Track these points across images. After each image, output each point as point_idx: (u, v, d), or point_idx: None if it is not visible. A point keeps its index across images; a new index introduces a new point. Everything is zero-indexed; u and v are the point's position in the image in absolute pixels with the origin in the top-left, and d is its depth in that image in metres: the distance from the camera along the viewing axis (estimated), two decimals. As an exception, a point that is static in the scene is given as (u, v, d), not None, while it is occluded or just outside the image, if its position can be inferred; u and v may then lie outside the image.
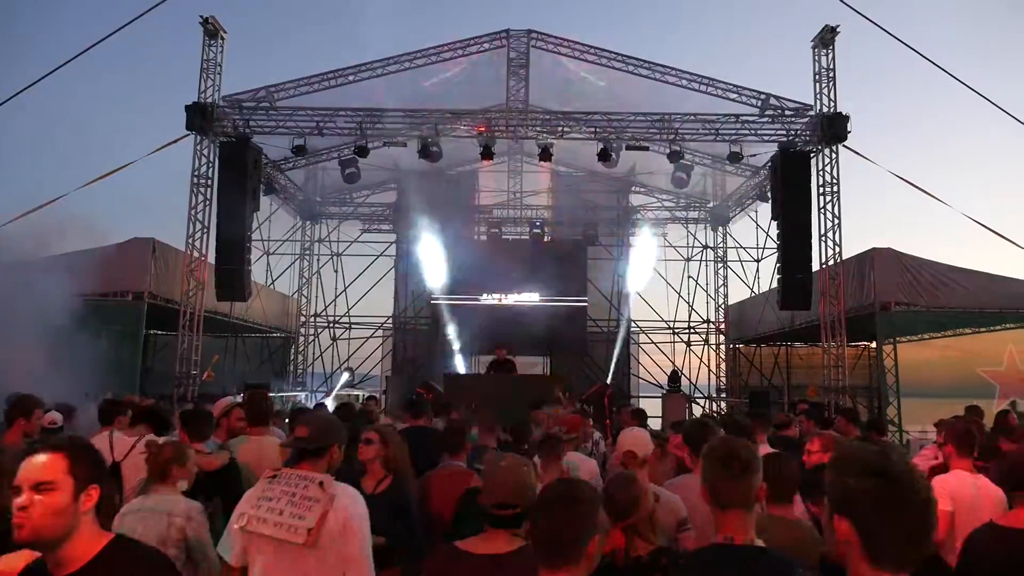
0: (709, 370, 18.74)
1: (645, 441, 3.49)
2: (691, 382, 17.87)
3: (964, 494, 3.25)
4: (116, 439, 3.94)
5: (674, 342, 18.51)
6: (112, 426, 4.27)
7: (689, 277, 18.58)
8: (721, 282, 18.78)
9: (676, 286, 18.32)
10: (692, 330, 18.66)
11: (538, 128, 12.78)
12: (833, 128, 11.77)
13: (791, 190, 11.83)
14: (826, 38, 11.88)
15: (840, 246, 12.05)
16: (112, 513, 1.91)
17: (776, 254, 12.49)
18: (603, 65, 13.15)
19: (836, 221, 12.08)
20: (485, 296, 16.36)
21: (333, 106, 12.30)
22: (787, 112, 12.40)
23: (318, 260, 18.74)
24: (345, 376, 16.52)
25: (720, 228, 18.68)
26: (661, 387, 16.58)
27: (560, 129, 12.65)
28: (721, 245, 18.75)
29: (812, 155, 12.12)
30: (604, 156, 12.42)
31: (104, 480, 1.81)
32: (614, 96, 13.05)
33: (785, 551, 1.94)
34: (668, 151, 12.80)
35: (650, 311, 18.29)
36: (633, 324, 18.11)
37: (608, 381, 14.81)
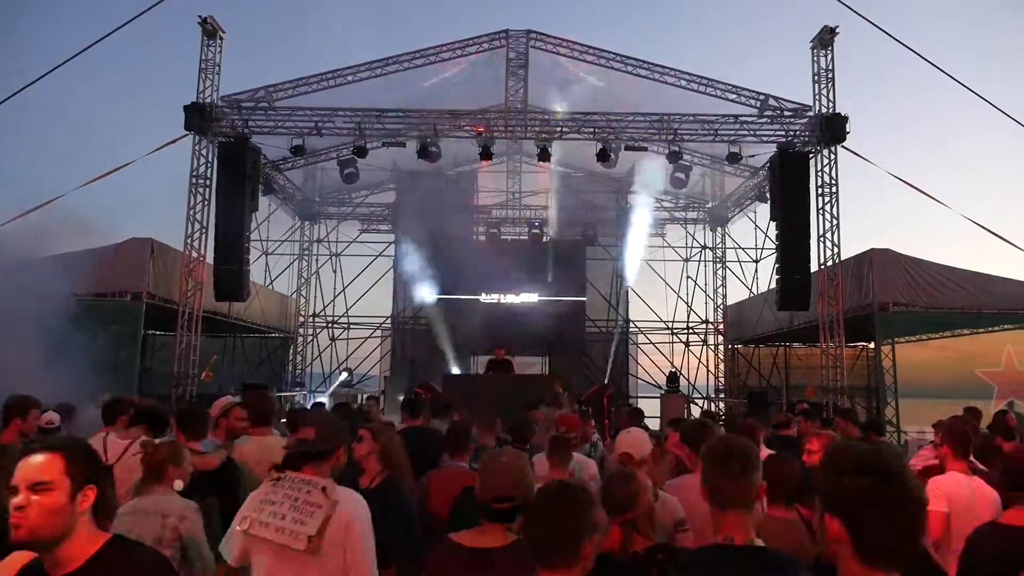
0: (708, 370, 18.77)
1: (642, 442, 3.49)
2: (690, 382, 17.90)
3: (960, 495, 3.25)
4: (110, 441, 3.89)
5: (673, 342, 18.54)
6: (114, 426, 4.26)
7: (688, 277, 18.64)
8: (720, 282, 18.81)
9: (675, 286, 18.37)
10: (691, 330, 18.68)
11: (537, 128, 12.79)
12: (832, 129, 11.79)
13: (790, 191, 11.84)
14: (825, 39, 11.89)
15: (839, 247, 12.08)
16: (111, 513, 1.91)
17: (775, 254, 12.50)
18: (602, 65, 13.17)
19: (835, 222, 12.09)
20: (484, 296, 16.38)
21: (332, 106, 12.30)
22: (786, 113, 12.42)
23: (317, 260, 18.76)
24: (343, 376, 16.52)
25: (719, 228, 18.69)
26: (660, 387, 16.59)
27: (559, 129, 12.66)
28: (720, 245, 18.77)
29: (811, 156, 12.13)
30: (603, 156, 12.43)
31: (101, 480, 1.81)
32: (613, 96, 13.05)
33: (785, 552, 1.94)
34: (667, 151, 12.82)
35: (649, 311, 18.34)
36: (632, 324, 18.14)
37: (606, 381, 14.82)
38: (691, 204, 18.41)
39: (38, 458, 1.70)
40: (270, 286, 17.40)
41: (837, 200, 12.10)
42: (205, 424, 4.02)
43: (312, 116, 12.21)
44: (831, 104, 11.91)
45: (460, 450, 4.02)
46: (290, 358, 18.41)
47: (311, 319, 18.66)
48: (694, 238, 18.77)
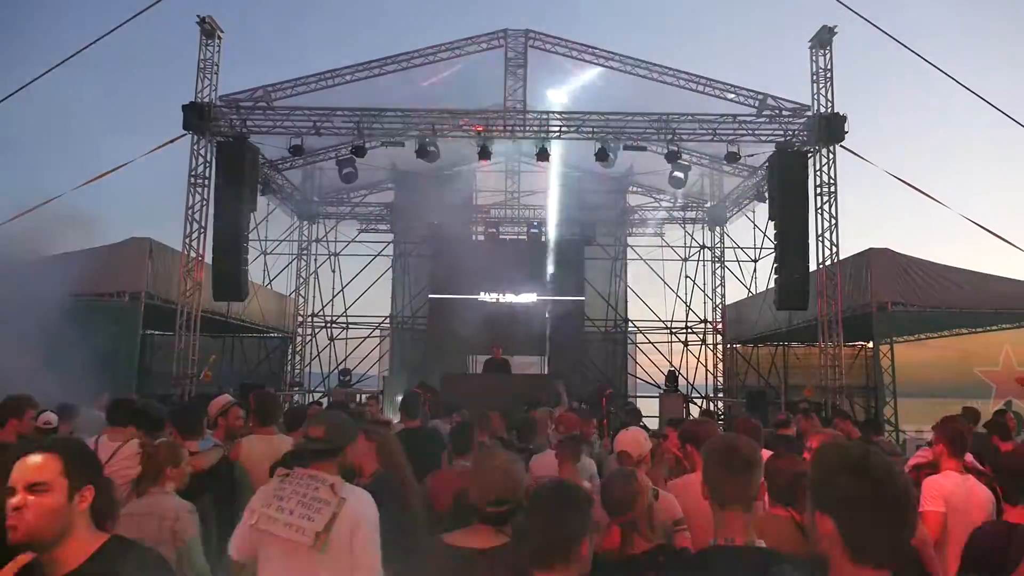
0: (706, 370, 18.76)
1: (640, 441, 3.50)
2: (688, 382, 17.90)
3: (956, 495, 3.26)
4: (101, 444, 3.83)
5: (671, 342, 18.53)
6: (117, 426, 4.22)
7: (687, 277, 18.59)
8: (718, 282, 18.79)
9: (673, 286, 18.35)
10: (689, 330, 18.67)
11: (535, 128, 12.79)
12: (830, 128, 11.78)
13: (788, 190, 11.84)
14: (824, 38, 11.89)
15: (837, 246, 12.08)
16: (112, 514, 1.91)
17: (773, 254, 12.50)
18: (601, 65, 13.17)
19: (833, 221, 12.09)
20: (482, 295, 16.38)
21: (330, 106, 12.29)
22: (784, 112, 12.42)
23: (315, 260, 18.73)
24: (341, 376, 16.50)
25: (717, 228, 18.68)
26: (659, 387, 16.59)
27: (558, 129, 12.66)
28: (718, 245, 18.75)
29: (809, 155, 12.12)
30: (602, 156, 12.43)
31: (99, 481, 1.81)
32: (611, 96, 13.06)
33: (785, 552, 1.94)
34: (666, 151, 12.82)
35: (648, 311, 18.34)
36: (631, 324, 18.14)
37: (605, 381, 14.83)
38: (690, 204, 18.40)
39: (35, 459, 1.71)
40: (269, 286, 17.38)
41: (836, 199, 12.10)
42: (200, 422, 4.01)
43: (311, 116, 12.20)
44: (830, 103, 11.91)
45: (465, 449, 4.04)
46: (289, 358, 18.41)
47: (310, 319, 18.64)
48: (693, 238, 18.76)
